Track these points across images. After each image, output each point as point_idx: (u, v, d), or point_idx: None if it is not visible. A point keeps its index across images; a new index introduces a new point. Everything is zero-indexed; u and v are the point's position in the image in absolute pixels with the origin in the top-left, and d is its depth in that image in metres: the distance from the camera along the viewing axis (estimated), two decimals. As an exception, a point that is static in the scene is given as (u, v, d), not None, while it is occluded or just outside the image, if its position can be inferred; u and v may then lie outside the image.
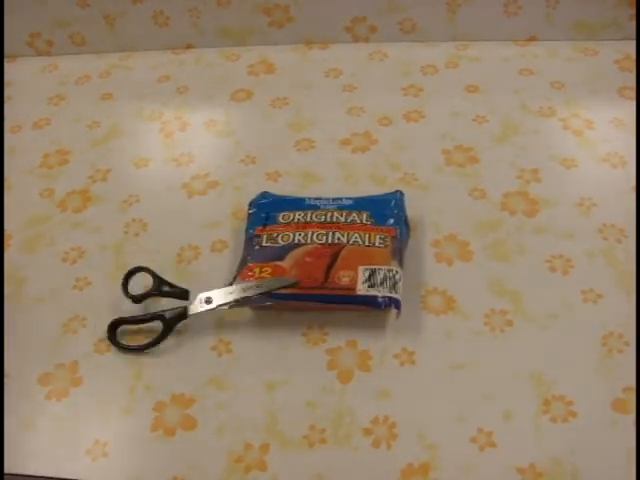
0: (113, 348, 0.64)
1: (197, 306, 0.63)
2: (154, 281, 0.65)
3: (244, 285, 0.62)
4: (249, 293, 0.62)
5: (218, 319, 0.65)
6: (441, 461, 0.54)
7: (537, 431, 0.55)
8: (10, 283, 0.70)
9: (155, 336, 0.63)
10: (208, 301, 0.63)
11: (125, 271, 0.65)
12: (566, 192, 0.73)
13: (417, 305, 0.64)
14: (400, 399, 0.58)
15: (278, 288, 0.61)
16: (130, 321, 0.64)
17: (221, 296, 0.63)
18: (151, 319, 0.63)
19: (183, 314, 0.63)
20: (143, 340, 0.63)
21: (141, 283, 0.66)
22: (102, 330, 0.64)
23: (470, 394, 0.58)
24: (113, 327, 0.64)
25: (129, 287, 0.65)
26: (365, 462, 0.55)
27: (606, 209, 0.71)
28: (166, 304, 0.65)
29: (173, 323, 0.63)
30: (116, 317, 0.64)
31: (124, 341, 0.63)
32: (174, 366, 0.62)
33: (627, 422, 0.55)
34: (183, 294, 0.65)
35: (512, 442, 0.55)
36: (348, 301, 0.61)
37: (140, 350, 0.63)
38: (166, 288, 0.65)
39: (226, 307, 0.62)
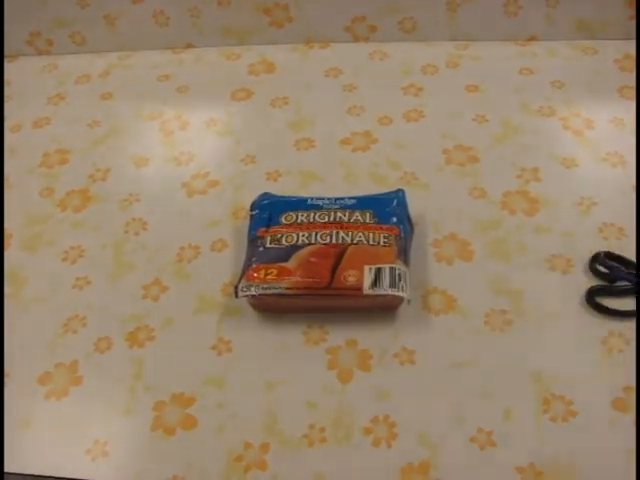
0: (113, 347, 0.64)
1: None
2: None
3: None
4: None
5: (217, 319, 0.65)
6: (441, 460, 0.54)
7: (537, 430, 0.55)
8: (10, 282, 0.70)
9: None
10: None
11: (125, 271, 0.65)
12: (566, 191, 0.73)
13: (417, 304, 0.64)
14: (400, 398, 0.58)
15: None
16: (609, 292, 0.63)
17: None
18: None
19: None
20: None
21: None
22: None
23: (470, 393, 0.58)
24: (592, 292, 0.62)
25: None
26: (365, 461, 0.55)
27: (606, 208, 0.71)
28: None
29: None
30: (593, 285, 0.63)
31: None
32: (174, 365, 0.62)
33: (627, 421, 0.55)
34: None
35: (512, 441, 0.55)
36: None
37: (624, 316, 0.61)
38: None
39: None
